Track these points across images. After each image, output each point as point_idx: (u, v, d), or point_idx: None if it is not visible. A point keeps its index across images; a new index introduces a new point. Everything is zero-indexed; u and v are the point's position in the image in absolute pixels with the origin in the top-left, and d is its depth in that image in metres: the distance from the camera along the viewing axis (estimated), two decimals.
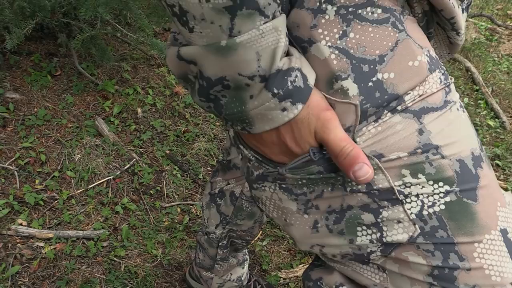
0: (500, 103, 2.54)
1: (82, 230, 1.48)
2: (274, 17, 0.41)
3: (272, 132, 0.45)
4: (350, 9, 0.46)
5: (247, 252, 1.32)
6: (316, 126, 0.44)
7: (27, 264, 1.36)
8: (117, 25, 1.84)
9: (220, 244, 1.18)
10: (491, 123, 2.36)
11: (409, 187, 0.46)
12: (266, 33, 0.40)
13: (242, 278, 1.31)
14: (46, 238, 1.43)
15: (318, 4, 0.46)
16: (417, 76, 0.46)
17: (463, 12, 0.56)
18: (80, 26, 1.80)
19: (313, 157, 0.45)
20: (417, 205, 0.47)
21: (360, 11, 0.46)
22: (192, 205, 1.67)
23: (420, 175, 0.46)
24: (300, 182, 0.49)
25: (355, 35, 0.45)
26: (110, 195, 1.60)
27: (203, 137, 1.93)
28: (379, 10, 0.46)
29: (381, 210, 0.47)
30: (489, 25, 3.33)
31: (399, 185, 0.46)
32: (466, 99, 2.53)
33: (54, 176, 1.60)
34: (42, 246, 1.41)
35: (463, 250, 0.47)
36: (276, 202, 0.53)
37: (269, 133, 0.45)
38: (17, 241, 1.41)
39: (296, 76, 0.43)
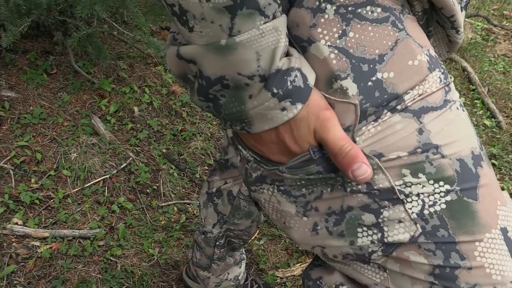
0: (496, 103, 2.55)
1: (78, 229, 1.48)
2: (274, 17, 0.41)
3: (271, 132, 0.45)
4: (349, 8, 0.45)
5: (244, 251, 1.32)
6: (315, 125, 0.44)
7: (22, 263, 1.35)
8: (114, 23, 1.83)
9: (217, 243, 1.18)
10: (487, 122, 2.37)
11: (410, 186, 0.46)
12: (266, 33, 0.40)
13: (239, 278, 1.31)
14: (42, 237, 1.42)
15: (317, 3, 0.46)
16: (417, 76, 0.46)
17: (461, 11, 0.56)
18: (76, 24, 1.79)
19: (313, 155, 0.45)
20: (418, 204, 0.47)
21: (359, 10, 0.46)
22: (189, 204, 1.67)
23: (420, 175, 0.46)
24: (298, 183, 0.49)
25: (355, 35, 0.45)
26: (106, 194, 1.59)
27: (200, 136, 1.93)
28: (379, 9, 0.46)
29: (382, 210, 0.47)
30: (485, 25, 3.34)
31: (400, 185, 0.46)
32: (462, 99, 2.54)
33: (50, 175, 1.59)
34: (38, 246, 1.40)
35: (464, 249, 0.47)
36: (274, 205, 0.53)
37: (268, 133, 0.45)
38: (13, 240, 1.40)
39: (296, 76, 0.42)
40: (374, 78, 0.45)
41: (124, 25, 2.07)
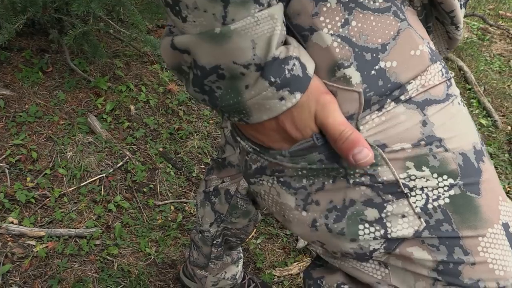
0: (492, 102, 2.56)
1: (74, 228, 1.47)
2: (269, 5, 0.40)
3: (271, 121, 0.44)
4: None
5: (241, 250, 1.32)
6: (316, 109, 0.44)
7: (18, 262, 1.34)
8: (110, 21, 1.82)
9: (214, 242, 1.17)
10: (483, 121, 2.38)
11: (414, 180, 0.46)
12: (261, 20, 0.39)
13: (237, 276, 1.31)
14: (37, 237, 1.41)
15: None
16: (419, 66, 0.46)
17: (461, 8, 0.56)
18: (72, 22, 1.78)
19: (316, 142, 0.45)
20: (422, 198, 0.46)
21: None
22: (185, 203, 1.66)
23: (424, 168, 0.46)
24: (300, 173, 0.48)
25: (357, 24, 0.45)
26: (102, 193, 1.59)
27: (197, 134, 1.92)
28: None
29: (385, 205, 0.47)
30: (481, 25, 3.35)
31: (404, 178, 0.46)
32: None
33: (45, 173, 1.58)
34: (33, 245, 1.39)
35: (468, 244, 0.47)
36: (274, 197, 0.52)
37: (268, 122, 0.45)
38: (8, 239, 1.39)
39: (294, 64, 0.42)
40: (377, 67, 0.45)
41: (120, 23, 2.06)
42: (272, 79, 0.41)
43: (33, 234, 1.41)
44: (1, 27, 1.56)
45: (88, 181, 1.60)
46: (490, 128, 2.36)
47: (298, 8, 0.46)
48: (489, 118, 2.42)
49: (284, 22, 0.43)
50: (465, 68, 2.73)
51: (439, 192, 0.46)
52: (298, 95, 0.42)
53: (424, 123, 0.46)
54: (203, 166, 1.82)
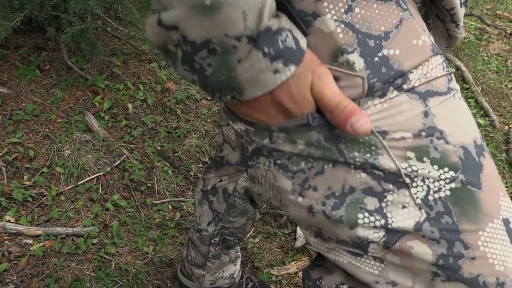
0: (490, 102, 2.57)
1: (72, 227, 1.46)
2: None
3: (266, 96, 0.43)
4: None
5: (239, 249, 1.32)
6: (312, 79, 0.43)
7: (15, 261, 1.34)
8: (108, 19, 1.81)
9: (212, 241, 1.17)
10: (480, 121, 2.39)
11: (416, 170, 0.46)
12: None
13: (235, 275, 1.31)
14: (34, 235, 1.40)
15: None
16: (421, 55, 0.47)
17: (461, 7, 0.56)
18: (70, 20, 1.77)
19: (312, 121, 0.44)
20: (423, 190, 0.46)
21: None
22: (183, 202, 1.66)
23: (425, 159, 0.46)
24: (297, 155, 0.47)
25: (361, 10, 0.45)
26: (100, 191, 1.58)
27: (195, 133, 1.92)
28: None
29: (385, 194, 0.46)
30: (478, 25, 3.36)
31: (405, 168, 0.46)
32: None
33: (42, 172, 1.57)
34: (30, 243, 1.38)
35: (468, 238, 0.47)
36: (270, 180, 0.51)
37: (263, 97, 0.43)
38: (5, 238, 1.38)
39: (287, 36, 0.41)
40: (380, 54, 0.45)
41: (118, 21, 2.05)
42: (266, 50, 0.40)
43: (30, 232, 1.40)
44: None
45: (85, 180, 1.60)
46: (487, 128, 2.36)
47: None
48: (486, 118, 2.43)
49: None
50: (463, 68, 2.74)
51: (440, 184, 0.46)
52: (292, 68, 0.41)
53: (426, 114, 0.46)
54: (201, 165, 1.81)
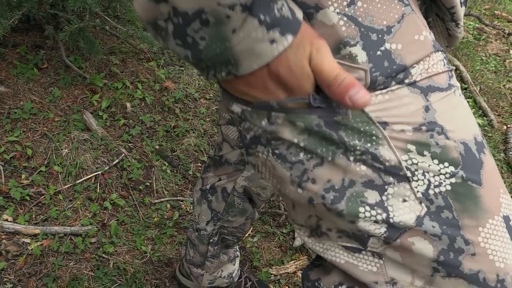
0: (488, 102, 2.57)
1: (70, 226, 1.46)
2: None
3: (263, 69, 0.41)
4: None
5: (238, 249, 1.32)
6: (311, 51, 0.41)
7: (12, 260, 1.33)
8: (106, 18, 1.81)
9: (211, 240, 1.17)
10: (479, 121, 2.39)
11: (416, 163, 0.45)
12: None
13: (233, 275, 1.31)
14: (32, 234, 1.40)
15: None
16: (422, 50, 0.46)
17: (461, 6, 0.56)
18: (68, 18, 1.76)
19: (313, 102, 0.43)
20: (424, 184, 0.46)
21: None
22: (182, 201, 1.66)
23: (425, 152, 0.45)
24: (296, 141, 0.45)
25: (363, 4, 0.45)
26: (98, 190, 1.58)
27: (193, 132, 1.91)
28: None
29: (386, 187, 0.46)
30: (477, 25, 3.37)
31: (405, 160, 0.45)
32: None
33: (40, 171, 1.56)
34: (28, 242, 1.38)
35: (468, 234, 0.46)
36: (270, 169, 0.50)
37: (260, 71, 0.41)
38: (3, 237, 1.37)
39: (283, 5, 0.40)
40: (383, 48, 0.45)
41: (117, 20, 2.04)
42: (262, 17, 0.38)
43: (28, 231, 1.39)
44: None
45: (83, 179, 1.59)
46: (485, 128, 2.37)
47: None
48: (485, 118, 2.43)
49: None
50: (461, 68, 2.74)
51: (440, 179, 0.46)
52: (289, 38, 0.39)
53: (427, 109, 0.46)
54: (200, 164, 1.81)
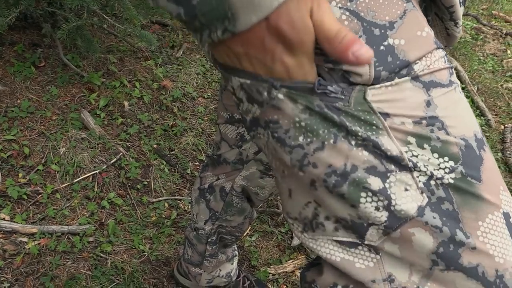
0: (486, 101, 2.58)
1: (67, 225, 1.45)
2: None
3: (262, 24, 0.38)
4: None
5: (236, 248, 1.31)
6: (312, 5, 0.39)
7: (10, 260, 1.33)
8: (104, 16, 1.80)
9: (209, 240, 1.17)
10: (476, 121, 2.40)
11: (416, 156, 0.45)
12: None
13: (231, 274, 1.30)
14: (29, 233, 1.39)
15: None
16: (425, 46, 0.46)
17: (460, 6, 0.56)
18: (66, 16, 1.75)
19: (317, 87, 0.42)
20: (426, 175, 0.46)
21: None
22: (180, 200, 1.65)
23: (426, 145, 0.45)
24: (297, 125, 0.44)
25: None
26: (96, 189, 1.57)
27: (191, 131, 1.91)
28: None
29: (388, 174, 0.45)
30: (474, 25, 3.37)
31: (406, 152, 0.45)
32: None
33: (38, 169, 1.56)
34: (25, 242, 1.37)
35: (467, 227, 0.46)
36: (272, 151, 0.49)
37: (258, 27, 0.38)
38: (0, 236, 1.37)
39: None
40: (386, 43, 0.45)
41: (115, 18, 2.03)
42: None
43: (25, 230, 1.39)
44: None
45: (81, 178, 1.59)
46: (483, 127, 2.37)
47: None
48: (482, 118, 2.44)
49: None
50: (459, 68, 2.75)
51: (440, 173, 0.46)
52: None
53: (428, 103, 0.46)
54: (198, 163, 1.81)
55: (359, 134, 0.44)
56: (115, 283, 1.35)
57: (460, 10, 0.55)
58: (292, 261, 1.53)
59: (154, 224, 1.54)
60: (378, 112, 0.44)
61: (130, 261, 1.41)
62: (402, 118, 0.45)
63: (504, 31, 3.31)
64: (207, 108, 2.05)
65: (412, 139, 0.45)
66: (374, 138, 0.44)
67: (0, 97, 1.71)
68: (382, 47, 0.44)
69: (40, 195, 1.49)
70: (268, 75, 0.42)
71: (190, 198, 1.48)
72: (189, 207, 1.63)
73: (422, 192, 0.45)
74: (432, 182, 0.46)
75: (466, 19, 3.42)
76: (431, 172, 0.45)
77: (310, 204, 0.50)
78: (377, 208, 0.46)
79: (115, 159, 1.67)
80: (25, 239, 1.38)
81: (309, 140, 0.45)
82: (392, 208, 0.45)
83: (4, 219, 1.40)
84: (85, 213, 1.50)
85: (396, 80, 0.45)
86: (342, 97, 0.44)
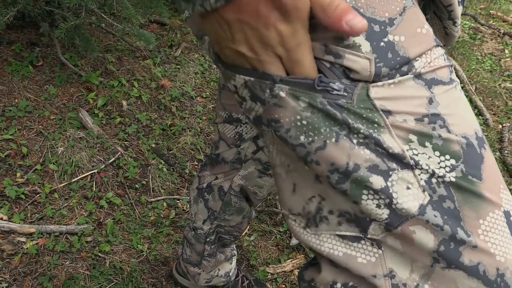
0: (484, 101, 2.59)
1: (66, 224, 1.45)
2: None
3: None
4: None
5: (235, 248, 1.31)
6: None
7: (8, 259, 1.32)
8: (103, 15, 1.79)
9: (207, 239, 1.16)
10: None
11: (417, 154, 0.45)
12: None
13: (230, 274, 1.30)
14: (27, 233, 1.39)
15: None
16: (425, 43, 0.46)
17: (459, 5, 0.56)
18: (64, 15, 1.75)
19: (317, 84, 0.42)
20: (428, 173, 0.45)
21: None
22: (178, 199, 1.65)
23: (427, 143, 0.45)
24: (299, 124, 0.44)
25: None
26: (94, 189, 1.57)
27: (190, 131, 1.91)
28: None
29: (390, 173, 0.45)
30: (472, 24, 3.38)
31: (407, 150, 0.45)
32: None
33: (36, 169, 1.55)
34: (23, 241, 1.37)
35: (468, 225, 0.46)
36: (278, 146, 0.50)
37: None
38: None
39: None
40: (386, 40, 0.44)
41: (113, 17, 2.03)
42: None
43: (23, 230, 1.38)
44: None
45: (79, 177, 1.58)
46: (481, 127, 2.38)
47: None
48: (480, 117, 2.44)
49: None
50: (457, 67, 2.75)
51: (441, 171, 0.46)
52: None
53: (431, 101, 0.45)
54: (196, 163, 1.80)
55: (361, 131, 0.44)
56: (114, 283, 1.34)
57: (459, 9, 0.55)
58: (291, 261, 1.53)
59: (153, 224, 1.54)
60: (380, 110, 0.44)
61: (128, 261, 1.41)
62: (404, 115, 0.45)
63: (502, 31, 3.31)
64: (205, 107, 2.05)
65: (413, 137, 0.45)
66: (376, 135, 0.44)
67: None
68: (382, 44, 0.44)
69: (38, 195, 1.49)
70: (262, 46, 0.42)
71: (188, 198, 1.47)
72: (188, 206, 1.62)
73: (423, 190, 0.45)
74: (434, 180, 0.45)
75: (464, 19, 3.43)
76: (432, 170, 0.45)
77: (314, 199, 0.50)
78: (378, 206, 0.46)
79: (113, 159, 1.67)
80: (23, 239, 1.38)
81: (310, 139, 0.45)
82: (393, 206, 0.45)
83: (2, 219, 1.40)
84: (83, 213, 1.50)
85: (399, 78, 0.45)
86: (345, 94, 0.44)
